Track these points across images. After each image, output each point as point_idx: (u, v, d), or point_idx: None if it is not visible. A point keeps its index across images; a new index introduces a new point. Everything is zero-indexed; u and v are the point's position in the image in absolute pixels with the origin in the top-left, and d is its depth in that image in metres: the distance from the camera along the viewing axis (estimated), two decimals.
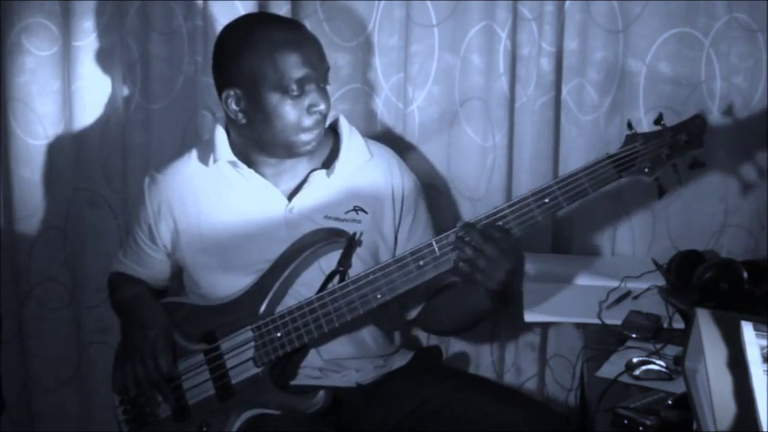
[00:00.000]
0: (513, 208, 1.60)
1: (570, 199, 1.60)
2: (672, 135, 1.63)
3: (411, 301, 1.82)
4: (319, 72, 1.68)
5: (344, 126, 1.80)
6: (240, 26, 1.72)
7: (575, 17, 2.01)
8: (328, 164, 1.77)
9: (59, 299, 2.29)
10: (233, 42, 1.68)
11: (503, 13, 2.03)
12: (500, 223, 1.60)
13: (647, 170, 1.61)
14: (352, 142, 1.79)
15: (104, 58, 2.16)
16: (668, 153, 1.62)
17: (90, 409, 2.32)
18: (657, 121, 1.64)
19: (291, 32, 1.67)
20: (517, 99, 2.07)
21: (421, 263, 1.63)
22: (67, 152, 2.20)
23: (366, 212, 1.76)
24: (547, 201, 1.60)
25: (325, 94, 1.69)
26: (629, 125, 1.65)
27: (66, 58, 2.15)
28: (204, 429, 1.71)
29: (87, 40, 2.14)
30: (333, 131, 1.81)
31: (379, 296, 1.64)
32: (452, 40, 2.07)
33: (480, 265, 1.57)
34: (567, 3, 2.01)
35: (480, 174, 2.12)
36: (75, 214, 2.24)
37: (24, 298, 2.28)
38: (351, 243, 1.71)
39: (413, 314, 1.84)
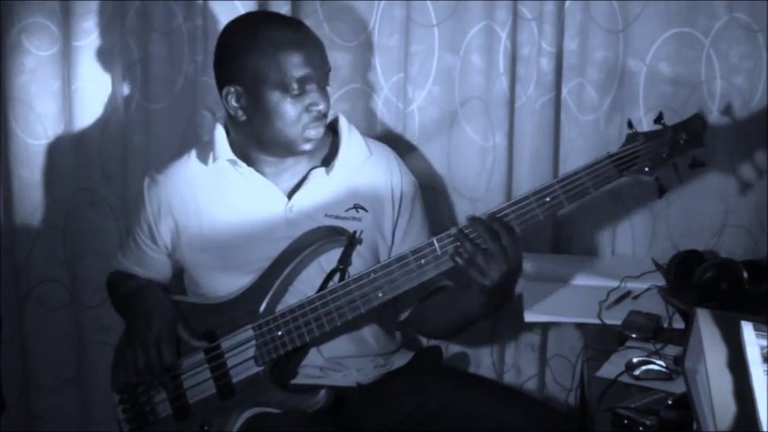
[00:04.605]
0: (515, 207, 1.59)
1: (572, 198, 1.59)
2: (672, 134, 1.62)
3: (402, 302, 1.81)
4: (321, 72, 1.68)
5: (344, 124, 1.80)
6: (243, 24, 1.72)
7: (575, 17, 2.01)
8: (328, 162, 1.77)
9: (59, 299, 2.29)
10: (236, 39, 1.68)
11: (503, 13, 2.03)
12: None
13: (647, 169, 1.61)
14: (352, 140, 1.79)
15: (104, 58, 2.16)
16: (668, 152, 1.62)
17: (90, 409, 2.32)
18: (658, 120, 1.63)
19: (294, 32, 1.68)
20: (517, 99, 2.07)
21: (422, 261, 1.62)
22: (67, 152, 2.20)
23: (366, 210, 1.76)
24: (548, 199, 1.59)
25: (325, 95, 1.70)
26: (630, 124, 1.64)
27: (66, 58, 2.15)
28: (206, 429, 1.71)
29: (87, 40, 2.14)
30: (332, 130, 1.81)
31: (380, 294, 1.64)
32: (452, 40, 2.07)
33: (478, 261, 1.54)
34: (567, 3, 2.01)
35: (480, 174, 2.12)
36: (75, 214, 2.24)
37: (24, 298, 2.28)
38: (351, 241, 1.71)
39: (403, 316, 1.83)
